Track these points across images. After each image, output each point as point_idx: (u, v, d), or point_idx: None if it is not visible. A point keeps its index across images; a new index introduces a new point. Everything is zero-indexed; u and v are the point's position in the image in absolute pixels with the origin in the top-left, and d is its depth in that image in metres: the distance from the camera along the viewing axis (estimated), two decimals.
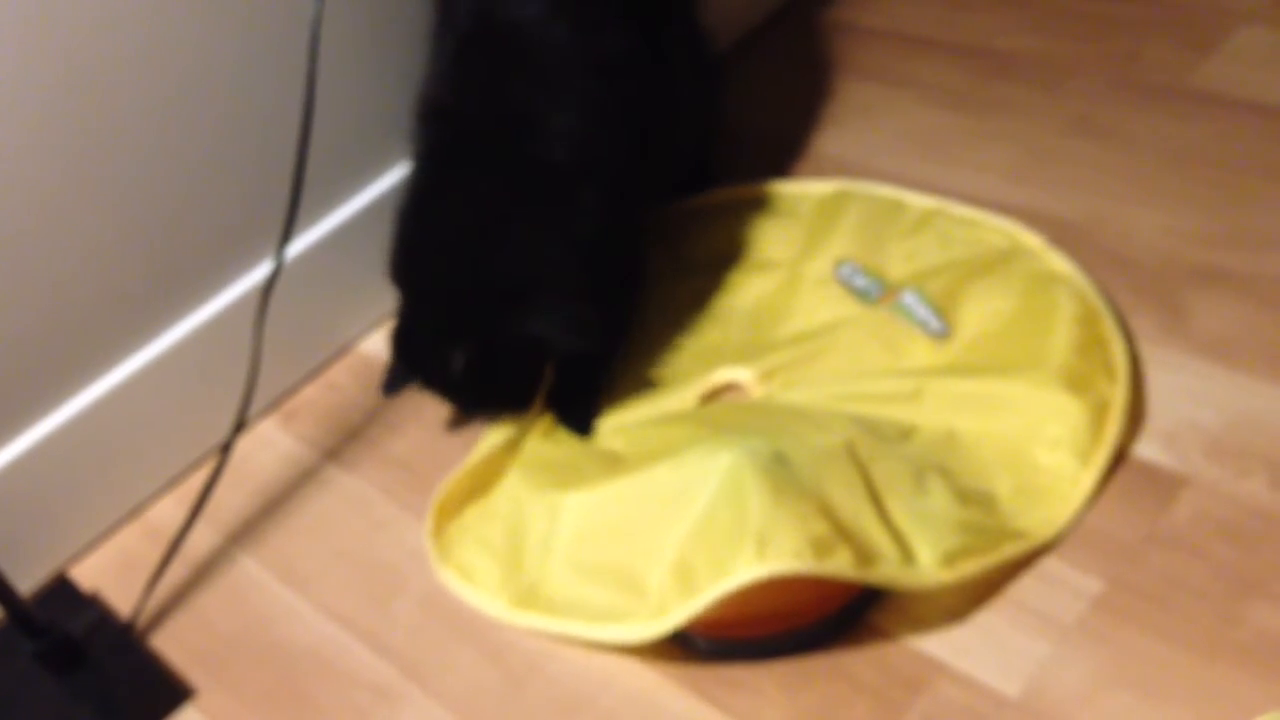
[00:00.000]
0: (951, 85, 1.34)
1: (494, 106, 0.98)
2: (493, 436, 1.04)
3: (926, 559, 0.85)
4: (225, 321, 1.10)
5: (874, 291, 1.08)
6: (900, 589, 0.86)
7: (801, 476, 0.87)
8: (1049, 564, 0.88)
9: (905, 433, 0.95)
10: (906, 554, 0.85)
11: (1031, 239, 1.10)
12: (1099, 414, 0.94)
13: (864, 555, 0.84)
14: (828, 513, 0.85)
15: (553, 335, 0.99)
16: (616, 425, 1.05)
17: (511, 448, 1.03)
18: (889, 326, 1.04)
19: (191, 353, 1.09)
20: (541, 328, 0.98)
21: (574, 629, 0.90)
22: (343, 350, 1.21)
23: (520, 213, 0.97)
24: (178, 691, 0.95)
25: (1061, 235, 1.11)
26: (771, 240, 1.17)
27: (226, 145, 1.06)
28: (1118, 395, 0.95)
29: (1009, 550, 0.87)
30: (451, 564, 0.99)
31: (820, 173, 1.27)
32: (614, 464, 0.98)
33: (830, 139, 1.31)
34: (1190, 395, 0.96)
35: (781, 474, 0.87)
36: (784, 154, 1.30)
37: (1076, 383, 0.95)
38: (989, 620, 0.86)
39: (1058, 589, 0.86)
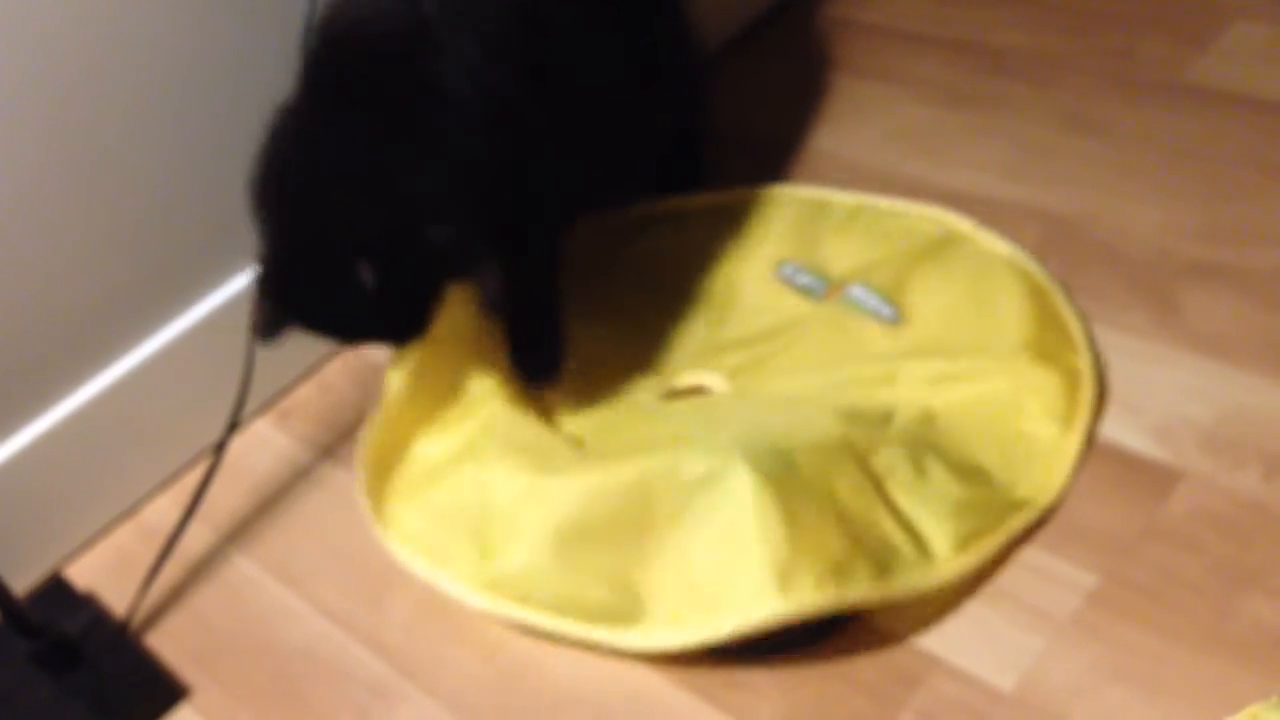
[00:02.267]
0: (946, 81, 1.34)
1: (401, 27, 0.93)
2: (398, 375, 1.01)
3: (940, 545, 0.86)
4: (219, 321, 1.10)
5: (819, 288, 1.08)
6: (922, 593, 0.85)
7: (810, 481, 0.87)
8: (1043, 558, 0.88)
9: (886, 415, 0.95)
10: (920, 544, 0.86)
11: (962, 223, 1.11)
12: (1071, 381, 0.96)
13: (881, 562, 0.84)
14: (843, 519, 0.85)
15: (454, 248, 0.93)
16: (574, 411, 1.04)
17: (439, 397, 0.99)
18: (842, 319, 1.05)
19: (185, 352, 1.09)
20: (444, 240, 0.92)
21: (564, 627, 0.90)
22: (337, 350, 1.21)
23: (418, 135, 0.92)
24: (173, 690, 0.95)
25: (1055, 230, 1.11)
26: (709, 246, 1.17)
27: (221, 144, 1.06)
28: (1083, 363, 0.97)
29: (1016, 522, 0.88)
30: (400, 532, 0.97)
31: (816, 169, 1.27)
32: (582, 451, 0.97)
33: (824, 135, 1.31)
34: (1184, 389, 0.96)
35: (792, 485, 0.86)
36: (778, 151, 1.30)
37: (1044, 353, 0.97)
38: (984, 615, 0.86)
39: (1052, 584, 0.86)
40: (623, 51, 1.06)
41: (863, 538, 0.85)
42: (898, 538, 0.86)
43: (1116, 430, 0.94)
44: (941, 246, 1.09)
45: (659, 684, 0.87)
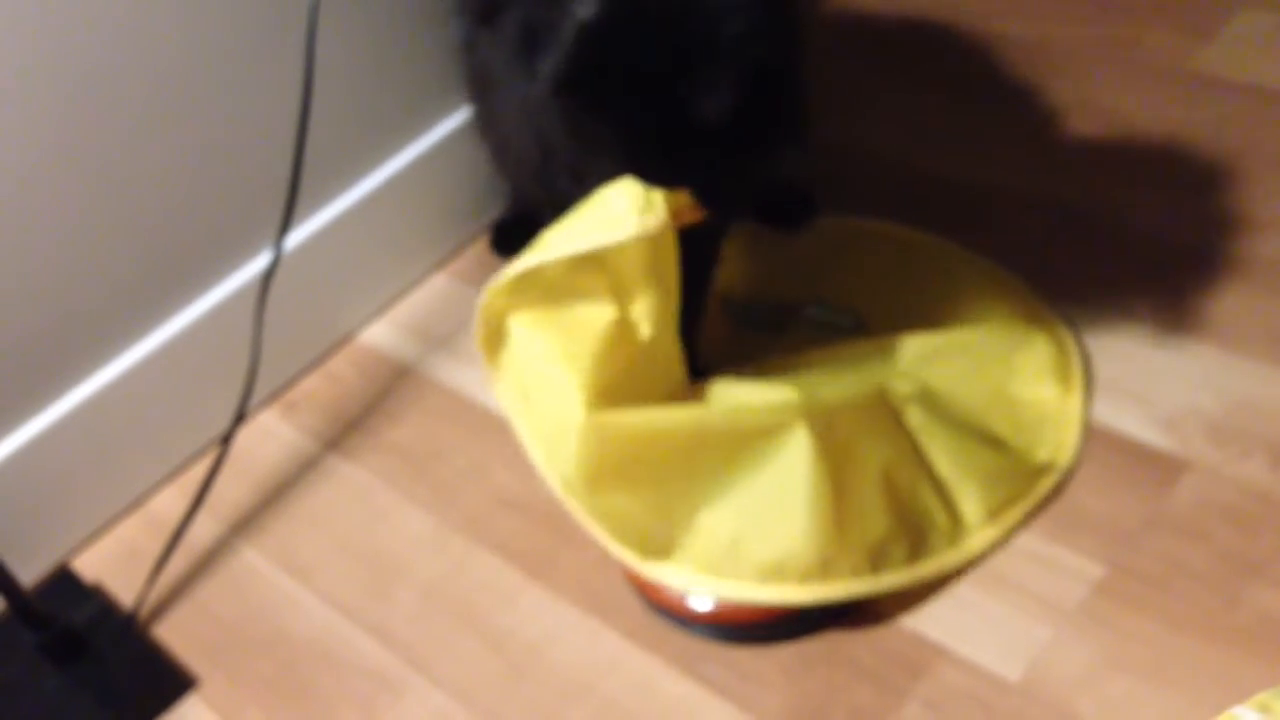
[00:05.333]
0: (950, 70, 1.33)
1: None
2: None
3: (972, 513, 0.88)
4: (225, 312, 1.10)
5: (771, 318, 1.07)
6: (951, 569, 0.87)
7: (859, 444, 0.87)
8: (1050, 548, 0.88)
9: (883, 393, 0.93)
10: (953, 513, 0.88)
11: (890, 227, 1.11)
12: (1057, 343, 0.97)
13: (918, 538, 0.86)
14: (890, 487, 0.86)
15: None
16: None
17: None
18: (809, 339, 1.03)
19: (192, 344, 1.09)
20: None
21: (595, 528, 0.89)
22: (343, 340, 1.21)
23: None
24: (180, 682, 0.95)
25: (1061, 219, 1.11)
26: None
27: (225, 135, 1.06)
28: (1061, 328, 0.99)
29: (1042, 487, 0.90)
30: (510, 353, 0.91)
31: (818, 159, 1.26)
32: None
33: (826, 125, 1.31)
34: (1190, 379, 0.96)
35: (846, 449, 0.86)
36: None
37: (1021, 315, 0.98)
38: (990, 605, 0.86)
39: (1059, 573, 0.86)
40: None
41: (905, 507, 0.86)
42: (934, 505, 0.87)
43: (1123, 420, 0.94)
44: (876, 242, 1.10)
45: (665, 674, 0.87)
